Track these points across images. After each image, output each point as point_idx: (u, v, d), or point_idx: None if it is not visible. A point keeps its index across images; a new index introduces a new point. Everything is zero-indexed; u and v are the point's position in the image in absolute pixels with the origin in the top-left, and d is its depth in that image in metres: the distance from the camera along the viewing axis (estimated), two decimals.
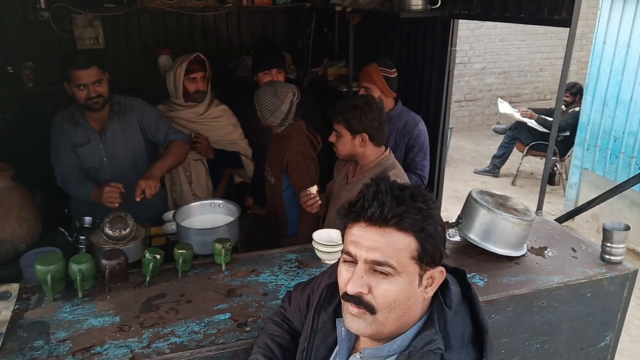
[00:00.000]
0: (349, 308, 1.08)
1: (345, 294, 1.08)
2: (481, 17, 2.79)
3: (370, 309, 1.05)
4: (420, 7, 2.84)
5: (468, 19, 2.86)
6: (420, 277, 1.07)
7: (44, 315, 1.66)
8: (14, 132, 3.19)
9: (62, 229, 2.37)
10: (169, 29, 4.22)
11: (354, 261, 1.07)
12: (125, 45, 4.15)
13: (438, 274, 1.10)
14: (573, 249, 2.14)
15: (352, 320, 1.08)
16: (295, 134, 2.72)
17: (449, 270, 1.17)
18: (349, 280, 1.07)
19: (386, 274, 1.04)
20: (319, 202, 2.37)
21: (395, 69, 2.96)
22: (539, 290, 1.87)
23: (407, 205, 1.04)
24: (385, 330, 1.07)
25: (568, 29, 2.20)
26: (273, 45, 3.27)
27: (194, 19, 4.24)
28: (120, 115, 2.70)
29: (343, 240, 1.12)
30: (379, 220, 1.04)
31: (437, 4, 2.83)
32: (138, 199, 2.40)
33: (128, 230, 2.17)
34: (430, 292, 1.10)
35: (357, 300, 1.05)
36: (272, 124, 2.70)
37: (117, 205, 2.37)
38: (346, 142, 2.27)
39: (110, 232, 2.14)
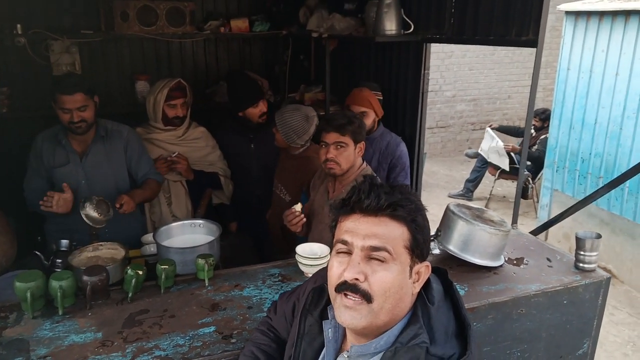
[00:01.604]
0: (343, 300, 1.09)
1: (340, 284, 1.09)
2: (453, 40, 2.90)
3: (367, 297, 1.07)
4: (394, 31, 2.95)
5: (440, 42, 2.98)
6: (411, 268, 1.10)
7: (24, 333, 1.62)
8: None
9: (38, 253, 2.32)
10: (147, 55, 4.25)
11: (348, 251, 1.10)
12: (102, 71, 4.14)
13: (424, 269, 1.13)
14: (548, 259, 2.20)
15: (346, 312, 1.09)
16: (314, 157, 2.77)
17: (431, 269, 1.21)
18: (345, 270, 1.09)
19: (382, 261, 1.07)
20: (304, 220, 2.39)
21: (380, 92, 3.06)
22: (518, 298, 1.92)
23: (401, 195, 1.10)
24: (378, 322, 1.09)
25: (534, 52, 2.31)
26: (247, 79, 3.32)
27: (172, 45, 4.29)
28: (106, 140, 2.69)
29: (333, 235, 1.15)
30: (375, 210, 1.08)
31: (410, 29, 2.95)
32: (117, 205, 2.50)
33: (110, 215, 2.32)
34: (417, 287, 1.13)
35: (354, 288, 1.07)
36: (295, 145, 2.84)
37: (52, 210, 2.42)
38: (350, 153, 2.30)
39: (94, 214, 2.29)
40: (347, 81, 3.61)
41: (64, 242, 2.44)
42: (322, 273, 1.25)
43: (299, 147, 2.88)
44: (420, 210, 1.13)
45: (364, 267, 1.08)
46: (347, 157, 2.31)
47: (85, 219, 2.38)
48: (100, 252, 2.28)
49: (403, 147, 3.01)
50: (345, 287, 1.09)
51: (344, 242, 1.11)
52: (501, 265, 2.12)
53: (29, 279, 1.70)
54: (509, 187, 7.21)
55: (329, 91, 3.71)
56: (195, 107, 3.17)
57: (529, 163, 6.23)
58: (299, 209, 2.36)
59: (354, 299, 1.08)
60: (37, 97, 3.77)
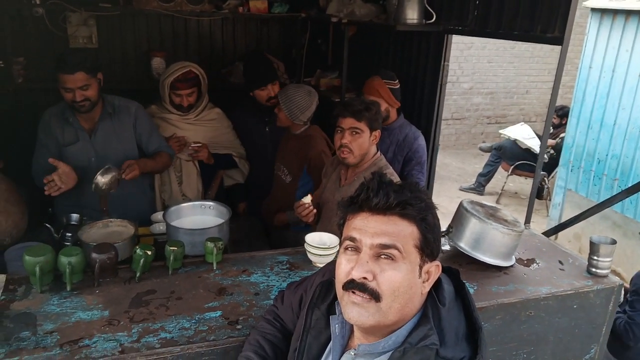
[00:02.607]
0: (350, 297, 1.07)
1: (348, 282, 1.07)
2: (475, 33, 2.84)
3: (375, 296, 1.05)
4: (415, 21, 2.89)
5: (462, 35, 2.92)
6: (420, 268, 1.08)
7: (31, 307, 1.63)
8: (2, 126, 3.15)
9: (48, 225, 2.33)
10: (164, 32, 4.22)
11: (357, 248, 1.08)
12: (118, 46, 4.12)
13: (434, 269, 1.11)
14: (560, 262, 2.17)
15: (354, 309, 1.07)
16: (316, 135, 2.90)
17: (442, 269, 1.19)
18: (353, 268, 1.07)
19: (391, 259, 1.05)
20: (314, 211, 2.38)
21: (397, 80, 3.00)
22: (527, 300, 1.89)
23: (412, 194, 1.07)
24: (386, 321, 1.07)
25: (556, 48, 2.26)
26: (263, 59, 3.30)
27: (189, 23, 4.24)
28: (114, 117, 2.67)
29: (342, 233, 1.13)
30: (384, 208, 1.06)
31: (432, 19, 2.89)
32: (123, 174, 2.51)
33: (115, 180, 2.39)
34: (427, 287, 1.11)
35: (362, 287, 1.05)
36: (299, 122, 2.87)
37: (63, 189, 2.42)
38: (365, 140, 2.28)
39: (102, 180, 2.35)
40: (365, 69, 3.55)
41: (74, 216, 2.45)
42: (331, 267, 1.23)
43: (302, 126, 2.91)
44: (430, 208, 1.11)
45: (372, 266, 1.06)
46: (361, 143, 2.28)
47: (94, 189, 2.41)
48: (110, 229, 2.29)
49: (421, 141, 2.96)
50: (352, 286, 1.07)
51: (353, 240, 1.09)
52: (512, 266, 2.10)
53: (38, 254, 1.70)
54: (522, 184, 7.14)
55: (345, 78, 3.66)
56: (211, 87, 3.15)
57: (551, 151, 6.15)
58: (309, 201, 2.34)
59: (362, 296, 1.06)
60: (53, 68, 3.75)
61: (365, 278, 1.05)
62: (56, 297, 1.69)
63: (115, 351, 1.45)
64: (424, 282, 1.10)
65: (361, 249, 1.07)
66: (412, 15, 2.88)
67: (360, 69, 3.83)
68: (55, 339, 1.48)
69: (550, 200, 6.03)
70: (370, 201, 1.07)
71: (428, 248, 1.08)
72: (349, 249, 1.10)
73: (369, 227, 1.07)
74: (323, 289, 1.26)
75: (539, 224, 5.88)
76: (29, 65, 3.73)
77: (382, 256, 1.06)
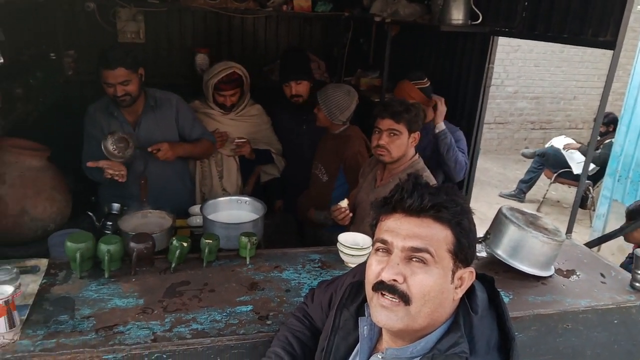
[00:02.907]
0: (379, 300, 1.06)
1: (377, 283, 1.06)
2: (522, 35, 2.76)
3: (405, 299, 1.03)
4: (461, 21, 2.84)
5: (508, 37, 2.85)
6: (453, 273, 1.06)
7: (70, 292, 1.69)
8: (51, 116, 3.27)
9: (90, 214, 2.41)
10: (208, 29, 4.29)
11: (388, 250, 1.07)
12: (164, 42, 4.23)
13: (468, 275, 1.09)
14: (602, 274, 2.09)
15: (382, 312, 1.06)
16: (354, 136, 2.88)
17: (476, 276, 1.16)
18: (383, 269, 1.05)
19: (423, 263, 1.04)
20: (350, 215, 2.38)
21: (426, 78, 2.96)
22: (565, 312, 1.83)
23: (446, 196, 1.05)
24: (415, 325, 1.06)
25: (608, 53, 2.17)
26: (294, 56, 3.29)
27: (234, 20, 4.30)
28: (156, 110, 2.73)
29: (374, 234, 1.11)
30: (417, 211, 1.04)
31: (478, 20, 2.83)
32: (150, 149, 2.58)
33: (129, 153, 2.43)
34: (460, 293, 1.09)
35: (392, 289, 1.04)
36: (338, 122, 2.87)
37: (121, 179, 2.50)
38: (403, 142, 2.25)
39: (111, 149, 2.40)
40: (406, 69, 3.51)
41: (116, 205, 2.52)
42: (362, 268, 1.22)
43: (341, 125, 2.90)
44: (466, 213, 1.08)
45: (403, 268, 1.04)
46: (399, 145, 2.26)
47: (104, 151, 2.46)
48: (149, 219, 2.35)
49: (461, 135, 2.94)
50: (382, 287, 1.05)
51: (384, 242, 1.07)
52: (550, 276, 2.03)
53: (79, 240, 1.76)
54: (565, 192, 6.92)
55: (386, 78, 3.63)
56: (252, 84, 3.18)
57: (593, 166, 5.94)
58: (345, 205, 2.34)
59: (391, 299, 1.04)
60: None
61: (395, 280, 1.04)
62: (94, 284, 1.74)
63: (148, 339, 1.48)
64: (456, 288, 1.07)
65: (392, 251, 1.06)
66: (457, 15, 2.83)
67: (402, 69, 3.78)
68: (91, 323, 1.53)
69: (594, 210, 5.81)
70: (404, 202, 1.05)
71: (462, 253, 1.06)
72: (380, 250, 1.08)
73: (401, 229, 1.05)
74: (353, 289, 1.25)
75: (582, 235, 5.68)
76: (79, 58, 3.87)
77: (414, 259, 1.04)
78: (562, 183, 6.48)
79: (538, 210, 6.54)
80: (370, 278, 1.09)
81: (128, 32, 3.98)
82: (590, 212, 6.04)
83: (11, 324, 1.45)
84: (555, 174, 6.37)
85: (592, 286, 1.99)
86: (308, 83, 3.15)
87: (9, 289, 1.46)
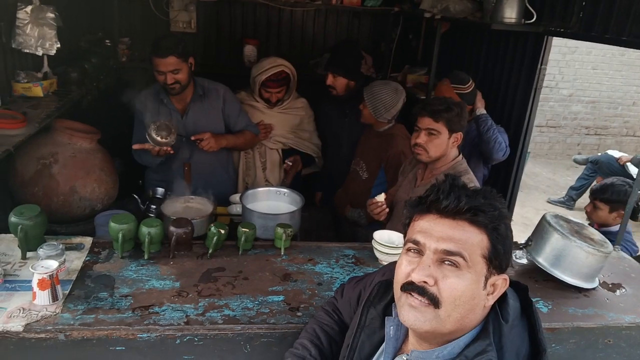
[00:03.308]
0: (408, 299, 1.05)
1: (407, 284, 1.05)
2: (578, 37, 2.65)
3: (435, 302, 1.02)
4: (513, 20, 2.75)
5: (563, 37, 2.74)
6: (486, 279, 1.03)
7: (111, 270, 1.75)
8: (104, 101, 3.39)
9: (136, 196, 2.49)
10: (258, 21, 4.34)
11: (420, 251, 1.05)
12: (214, 32, 4.30)
13: (501, 282, 1.06)
14: None
15: (411, 312, 1.04)
16: (399, 134, 2.84)
17: (510, 283, 1.12)
18: (413, 270, 1.04)
19: (455, 266, 1.01)
20: (387, 210, 2.35)
21: (470, 83, 2.91)
22: (608, 327, 1.76)
23: (483, 200, 1.02)
24: (443, 330, 1.04)
25: None
26: (345, 50, 3.27)
27: (283, 13, 4.33)
28: (204, 99, 2.80)
29: (406, 233, 1.10)
30: (453, 213, 1.02)
31: (532, 19, 2.73)
32: (192, 138, 2.66)
33: (172, 139, 2.53)
34: (492, 300, 1.06)
35: (421, 290, 1.02)
36: (383, 120, 2.83)
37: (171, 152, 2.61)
38: (443, 142, 2.20)
39: (154, 135, 2.49)
40: (455, 66, 3.43)
41: (160, 190, 2.61)
42: (391, 267, 1.20)
43: (385, 123, 2.86)
44: (504, 218, 1.04)
45: (434, 271, 1.02)
46: (438, 145, 2.21)
47: (149, 139, 2.54)
48: (191, 205, 2.41)
49: (502, 130, 2.91)
50: (411, 288, 1.04)
51: (416, 242, 1.05)
52: (594, 288, 1.95)
53: (122, 221, 1.82)
54: None
55: (433, 75, 3.57)
56: (298, 77, 3.20)
57: None
58: (382, 199, 2.31)
59: (420, 299, 1.03)
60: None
61: (425, 282, 1.02)
62: (134, 264, 1.80)
63: (181, 321, 1.52)
64: (488, 294, 1.04)
65: (424, 252, 1.04)
66: (510, 14, 2.74)
67: (451, 66, 3.71)
68: (129, 302, 1.59)
69: None
70: (439, 203, 1.03)
71: (497, 260, 1.03)
72: (412, 250, 1.07)
73: (435, 231, 1.03)
74: (381, 288, 1.24)
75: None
76: (133, 46, 3.99)
77: (446, 262, 1.02)
78: None
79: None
80: (399, 278, 1.07)
81: (180, 21, 4.07)
82: None
83: (54, 297, 1.52)
84: None
85: (638, 302, 1.90)
86: (345, 80, 3.11)
87: (53, 264, 1.53)
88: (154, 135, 2.52)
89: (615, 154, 6.42)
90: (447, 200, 1.02)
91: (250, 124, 2.97)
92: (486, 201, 1.03)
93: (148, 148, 2.56)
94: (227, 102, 2.86)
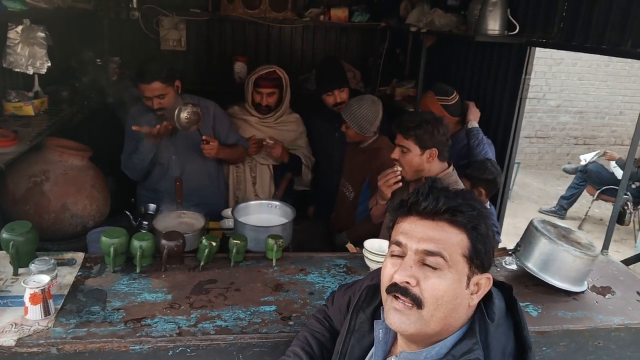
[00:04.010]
0: (392, 303, 1.07)
1: (391, 285, 1.07)
2: (560, 47, 2.71)
3: (418, 302, 1.03)
4: (497, 32, 2.81)
5: (545, 47, 2.80)
6: (469, 279, 1.05)
7: (103, 284, 1.76)
8: (94, 119, 3.41)
9: (128, 213, 2.50)
10: (247, 38, 4.40)
11: (402, 253, 1.07)
12: (205, 50, 4.35)
13: (485, 281, 1.07)
14: (638, 293, 2.01)
15: (396, 316, 1.06)
16: (384, 147, 2.79)
17: (495, 284, 1.15)
18: (396, 271, 1.06)
19: (436, 268, 1.03)
20: (400, 184, 2.29)
21: (454, 94, 2.95)
22: (597, 329, 1.78)
23: (462, 200, 1.04)
24: (428, 330, 1.05)
25: None
26: (333, 65, 3.31)
27: (272, 30, 4.40)
28: None
29: (391, 236, 1.12)
30: (432, 213, 1.04)
31: (515, 30, 2.80)
32: (204, 137, 2.69)
33: (193, 128, 2.61)
34: (476, 299, 1.07)
35: (404, 291, 1.04)
36: (369, 134, 2.82)
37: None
38: (414, 158, 2.19)
39: (183, 115, 2.57)
40: (441, 79, 3.49)
41: (152, 206, 2.62)
42: (379, 271, 1.23)
43: (371, 137, 2.86)
44: (483, 218, 1.06)
45: (416, 271, 1.04)
46: (409, 161, 2.20)
47: (175, 117, 2.59)
48: (182, 220, 2.42)
49: (488, 145, 2.89)
50: (395, 289, 1.06)
51: (398, 244, 1.08)
52: (583, 292, 1.98)
53: (114, 236, 1.83)
54: (608, 210, 6.66)
55: (421, 88, 3.62)
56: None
57: (634, 186, 5.73)
58: (400, 170, 2.25)
59: (404, 302, 1.04)
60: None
61: (407, 283, 1.04)
62: (126, 278, 1.81)
63: (174, 333, 1.53)
64: (472, 294, 1.06)
65: (406, 253, 1.06)
66: (493, 26, 2.80)
67: (437, 79, 3.77)
68: (121, 315, 1.59)
69: (639, 229, 5.59)
70: (418, 205, 1.05)
71: (478, 259, 1.05)
72: (395, 252, 1.09)
73: (416, 232, 1.05)
74: (370, 292, 1.25)
75: (624, 255, 5.43)
76: (123, 65, 4.02)
77: (427, 263, 1.04)
78: (606, 200, 6.28)
79: (580, 227, 6.33)
80: (384, 280, 1.09)
81: (170, 39, 4.13)
82: (635, 232, 5.82)
83: (46, 312, 1.53)
84: (598, 191, 6.17)
85: (626, 304, 1.93)
86: (348, 90, 3.18)
87: (45, 279, 1.54)
88: (183, 115, 2.56)
89: (590, 156, 6.48)
90: (426, 201, 1.05)
91: (240, 138, 3.00)
92: (464, 201, 1.05)
93: (146, 131, 2.58)
94: (217, 119, 2.89)
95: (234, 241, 1.96)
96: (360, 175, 2.87)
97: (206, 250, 1.90)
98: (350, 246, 2.39)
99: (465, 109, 3.02)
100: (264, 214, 2.53)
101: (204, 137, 2.68)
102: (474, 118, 2.94)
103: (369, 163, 2.80)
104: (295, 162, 3.25)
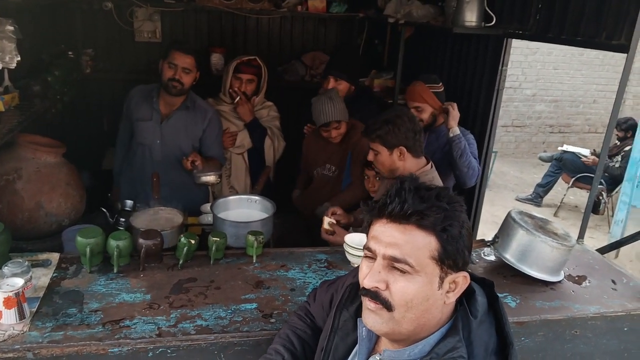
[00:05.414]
0: (366, 303, 1.07)
1: (363, 288, 1.07)
2: (536, 38, 2.74)
3: (387, 306, 1.04)
4: (474, 23, 2.82)
5: (522, 39, 2.82)
6: (441, 279, 1.04)
7: (80, 286, 1.72)
8: (68, 114, 3.34)
9: (104, 210, 2.45)
10: (224, 29, 4.33)
11: (373, 257, 1.07)
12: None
13: (461, 279, 1.07)
14: (613, 281, 2.06)
15: (369, 315, 1.07)
16: (358, 125, 2.84)
17: (476, 280, 1.15)
18: (366, 276, 1.06)
19: (403, 272, 1.03)
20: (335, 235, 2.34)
21: (440, 83, 2.94)
22: (574, 318, 1.81)
23: (430, 203, 1.02)
24: (402, 330, 1.06)
25: (625, 55, 2.14)
26: (345, 54, 3.32)
27: (249, 20, 4.34)
28: (190, 111, 2.82)
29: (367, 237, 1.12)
30: (399, 217, 1.03)
31: (491, 22, 2.81)
32: (188, 164, 2.70)
33: (218, 183, 2.79)
34: (452, 297, 1.07)
35: (374, 295, 1.05)
36: (344, 120, 2.85)
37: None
38: (384, 159, 2.21)
39: (212, 178, 2.70)
40: (420, 71, 3.50)
41: (129, 202, 2.56)
42: None
43: (344, 123, 2.89)
44: (453, 218, 1.03)
45: (385, 275, 1.04)
46: (381, 162, 2.23)
47: (202, 174, 2.72)
48: (160, 216, 2.38)
49: (472, 138, 2.86)
50: (365, 293, 1.06)
51: (369, 249, 1.08)
52: (560, 281, 2.01)
53: (89, 235, 1.79)
54: (583, 197, 6.80)
55: (399, 79, 3.63)
56: (267, 84, 3.21)
57: (606, 174, 5.86)
58: (327, 227, 2.32)
59: (375, 303, 1.05)
60: (118, 60, 3.94)
61: (377, 287, 1.04)
62: (103, 278, 1.78)
63: (153, 334, 1.51)
64: (447, 292, 1.06)
65: (376, 257, 1.06)
66: (470, 17, 2.81)
67: (415, 70, 3.77)
68: (99, 317, 1.56)
69: (613, 216, 5.72)
70: (386, 207, 1.04)
71: (449, 259, 1.03)
72: (368, 255, 1.09)
73: (384, 236, 1.05)
74: (352, 290, 1.25)
75: (599, 241, 5.57)
76: (96, 57, 3.94)
77: (395, 267, 1.04)
78: (581, 188, 6.40)
79: (555, 215, 6.46)
80: (360, 281, 1.10)
81: (145, 31, 4.04)
82: (609, 219, 5.95)
83: (21, 316, 1.49)
84: (573, 179, 6.28)
85: (602, 292, 1.97)
86: (347, 85, 3.15)
87: (19, 282, 1.50)
88: (212, 177, 2.74)
89: (575, 150, 6.61)
90: (392, 204, 1.03)
91: (221, 155, 3.01)
92: (432, 204, 1.03)
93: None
94: (211, 124, 2.90)
95: (213, 238, 1.94)
96: (341, 151, 2.92)
97: (185, 249, 1.87)
98: (325, 219, 2.37)
99: (446, 111, 2.84)
100: (244, 209, 2.51)
101: (190, 157, 2.71)
102: (455, 124, 2.77)
103: (349, 139, 2.87)
104: (257, 128, 3.20)
